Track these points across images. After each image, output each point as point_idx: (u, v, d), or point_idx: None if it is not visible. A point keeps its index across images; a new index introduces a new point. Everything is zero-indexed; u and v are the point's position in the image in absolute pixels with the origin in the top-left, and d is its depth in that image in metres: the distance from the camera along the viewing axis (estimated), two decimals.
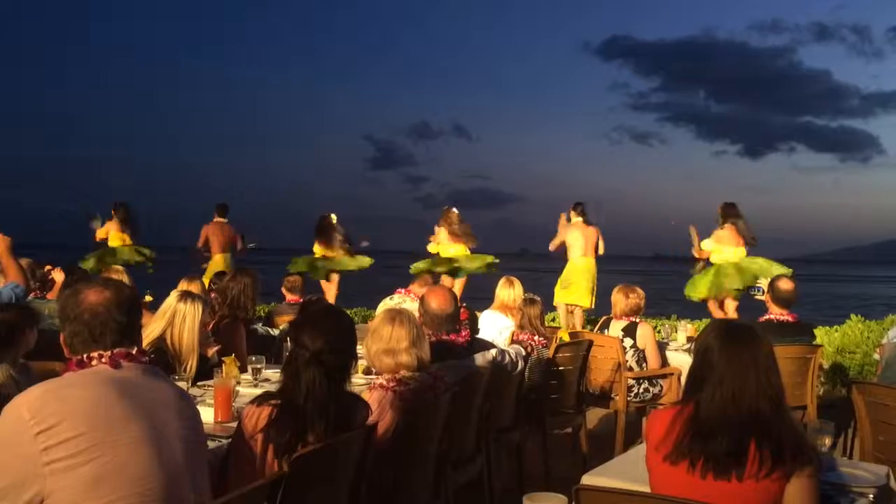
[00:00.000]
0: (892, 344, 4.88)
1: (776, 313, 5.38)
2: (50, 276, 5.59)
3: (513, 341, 5.22)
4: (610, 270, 9.77)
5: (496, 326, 5.94)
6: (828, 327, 9.28)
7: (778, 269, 8.43)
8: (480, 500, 4.12)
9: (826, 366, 7.59)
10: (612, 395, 5.79)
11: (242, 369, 4.05)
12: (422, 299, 4.10)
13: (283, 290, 7.04)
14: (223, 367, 3.75)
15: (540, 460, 4.98)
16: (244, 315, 4.96)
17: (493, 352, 4.18)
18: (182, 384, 3.34)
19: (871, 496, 2.56)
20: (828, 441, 2.80)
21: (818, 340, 7.89)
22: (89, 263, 10.56)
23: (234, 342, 4.66)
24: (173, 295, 4.04)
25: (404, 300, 5.90)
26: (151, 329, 3.90)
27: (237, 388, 3.56)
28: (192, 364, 3.85)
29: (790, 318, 5.39)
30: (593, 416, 6.45)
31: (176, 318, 3.89)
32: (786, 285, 5.34)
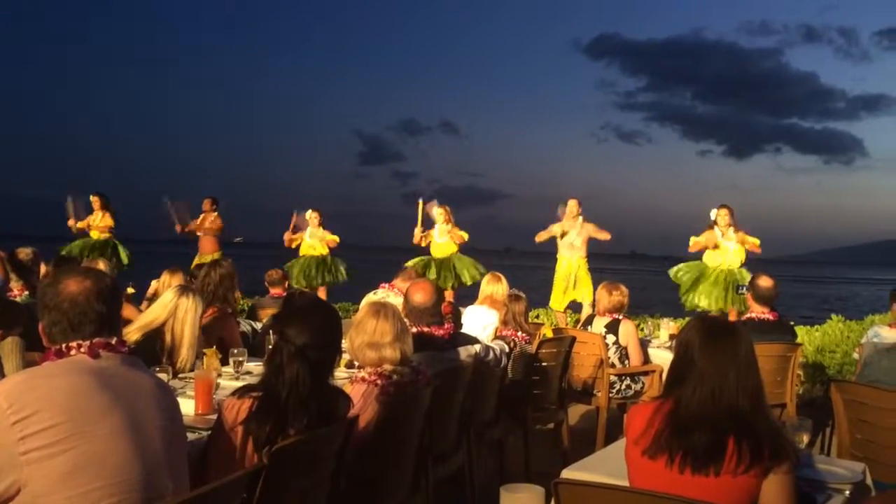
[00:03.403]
0: (870, 343, 4.94)
1: (757, 311, 5.42)
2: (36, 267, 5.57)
3: (496, 337, 5.23)
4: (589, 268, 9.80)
5: (481, 321, 5.94)
6: (808, 327, 9.38)
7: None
8: (461, 495, 4.13)
9: (806, 365, 7.67)
10: (595, 392, 5.82)
11: (224, 362, 4.04)
12: (405, 292, 4.11)
13: (266, 284, 7.03)
14: (204, 359, 3.74)
15: (521, 455, 4.99)
16: (230, 307, 4.94)
17: (476, 346, 4.19)
18: (163, 375, 3.34)
19: (847, 493, 2.59)
20: (805, 438, 2.83)
21: (799, 339, 7.98)
22: (72, 250, 10.60)
23: (228, 334, 4.64)
24: (173, 288, 4.09)
25: (388, 295, 5.89)
26: (152, 319, 3.94)
27: (218, 380, 3.55)
28: (188, 357, 3.89)
29: (771, 317, 5.43)
30: (575, 412, 6.48)
31: (178, 311, 3.96)
32: (766, 283, 5.38)
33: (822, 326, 9.21)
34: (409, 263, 10.21)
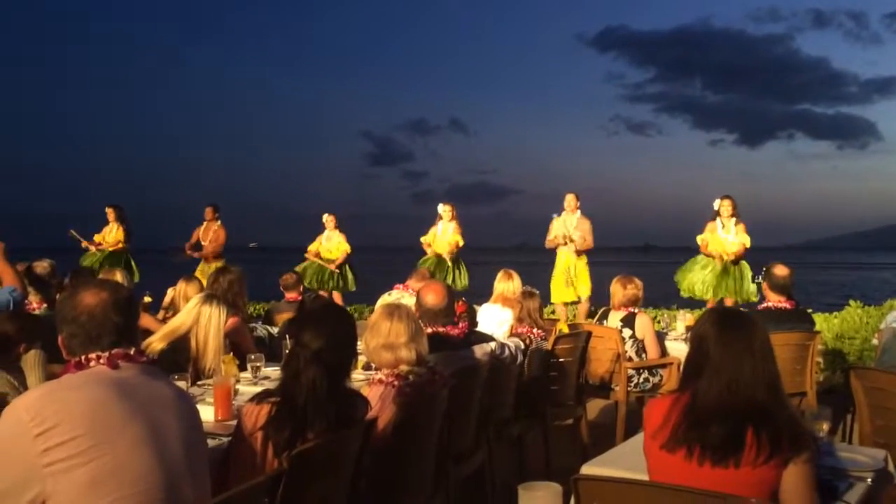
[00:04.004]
0: (890, 329, 4.89)
1: (774, 300, 5.39)
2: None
3: (511, 334, 5.24)
4: (601, 262, 9.79)
5: (495, 319, 5.94)
6: (827, 314, 9.31)
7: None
8: (482, 494, 4.13)
9: (826, 352, 7.61)
10: (613, 386, 5.81)
11: (242, 368, 4.07)
12: (417, 294, 4.12)
13: (281, 288, 7.06)
14: (222, 366, 3.77)
15: (541, 452, 4.99)
16: (240, 313, 4.98)
17: (491, 344, 4.19)
18: (182, 384, 3.37)
19: (869, 480, 2.57)
20: (825, 427, 2.81)
21: (817, 327, 7.93)
22: (90, 261, 10.65)
23: (241, 340, 4.68)
24: (198, 296, 4.14)
25: (403, 295, 5.90)
26: (176, 326, 3.99)
27: (237, 386, 3.57)
28: (213, 363, 3.93)
29: (788, 306, 5.40)
30: (594, 407, 6.47)
31: (202, 318, 4.01)
32: (781, 271, 5.35)
33: (841, 313, 9.14)
34: (421, 262, 10.25)
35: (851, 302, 9.39)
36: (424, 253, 10.76)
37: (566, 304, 9.96)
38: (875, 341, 6.56)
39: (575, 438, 5.52)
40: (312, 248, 11.30)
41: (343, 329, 2.68)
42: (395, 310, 3.30)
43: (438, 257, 10.60)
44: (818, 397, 5.76)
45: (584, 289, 9.83)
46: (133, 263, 11.26)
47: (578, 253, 9.84)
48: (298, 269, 10.77)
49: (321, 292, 10.80)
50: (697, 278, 9.28)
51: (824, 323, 8.68)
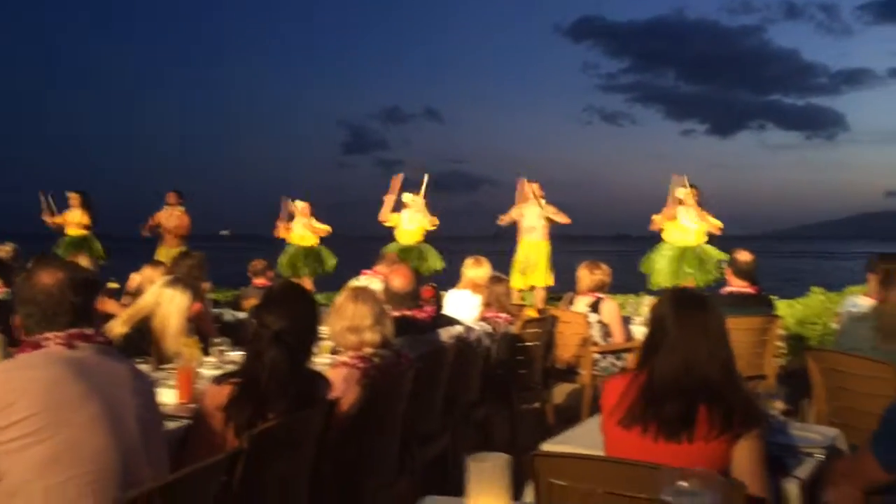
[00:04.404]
0: (847, 313, 5.01)
1: (737, 286, 5.49)
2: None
3: (479, 319, 5.27)
4: (574, 251, 9.88)
5: (464, 305, 5.97)
6: (790, 300, 9.48)
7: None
8: (447, 475, 4.17)
9: (789, 337, 7.75)
10: (579, 370, 5.87)
11: (206, 353, 4.05)
12: (384, 278, 4.14)
13: (249, 274, 7.04)
14: (185, 350, 3.75)
15: (507, 435, 5.04)
16: (200, 297, 4.95)
17: (457, 328, 4.22)
18: (145, 367, 3.36)
19: (820, 456, 2.65)
20: (779, 406, 2.89)
21: (781, 313, 8.08)
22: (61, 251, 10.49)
23: (206, 326, 4.65)
24: (162, 279, 4.10)
25: (372, 281, 5.92)
26: (139, 308, 3.95)
27: (200, 369, 3.56)
28: (176, 347, 3.91)
29: (751, 291, 5.50)
30: (561, 391, 6.53)
31: (164, 300, 3.98)
32: (744, 258, 5.44)
33: (804, 299, 9.32)
34: (388, 249, 10.22)
35: (814, 288, 9.58)
36: (390, 238, 10.71)
37: (519, 290, 10.03)
38: (835, 325, 6.70)
39: (541, 422, 5.59)
40: (281, 233, 11.22)
41: (304, 310, 2.69)
42: (360, 292, 3.32)
43: (405, 245, 10.58)
44: (780, 380, 5.87)
45: (542, 278, 9.88)
46: (96, 244, 11.10)
47: (550, 223, 9.89)
48: (282, 259, 10.69)
49: (294, 279, 10.75)
50: (660, 266, 9.38)
51: (788, 309, 8.84)
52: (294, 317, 2.60)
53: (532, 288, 9.99)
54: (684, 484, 1.24)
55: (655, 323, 2.37)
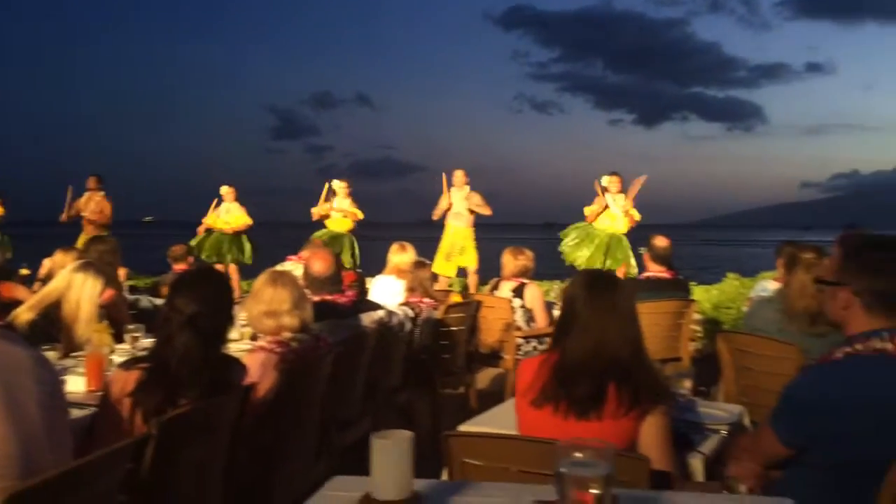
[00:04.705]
0: (757, 296, 5.22)
1: (654, 270, 5.64)
2: None
3: (403, 304, 5.29)
4: (502, 238, 9.99)
5: (389, 290, 5.98)
6: (707, 285, 9.81)
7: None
8: (367, 461, 4.17)
9: (705, 321, 8.03)
10: (502, 355, 5.95)
11: (119, 341, 3.94)
12: (305, 262, 4.10)
13: (169, 260, 6.87)
14: (95, 336, 3.64)
15: (429, 420, 5.07)
16: (115, 286, 4.81)
17: (379, 312, 4.22)
18: (53, 354, 3.26)
19: (724, 432, 2.76)
20: (688, 384, 2.99)
21: (698, 298, 8.36)
22: None
23: (118, 314, 4.53)
24: (72, 264, 3.96)
25: (296, 267, 5.85)
26: (47, 293, 3.81)
27: (112, 356, 3.46)
28: (86, 333, 3.79)
29: (667, 275, 5.67)
30: (485, 375, 6.61)
31: (74, 284, 3.84)
32: (661, 243, 5.60)
33: (719, 284, 9.66)
34: (316, 235, 10.16)
35: (729, 274, 9.94)
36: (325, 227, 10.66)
37: (445, 277, 10.13)
38: (746, 309, 6.98)
39: (464, 406, 5.63)
40: (208, 220, 11.04)
41: (218, 294, 2.63)
42: (278, 276, 3.28)
43: (335, 234, 10.53)
44: (696, 363, 6.08)
45: (471, 260, 10.02)
46: (5, 237, 10.70)
47: (473, 224, 9.96)
48: (194, 242, 10.50)
49: (219, 266, 10.58)
50: (582, 253, 9.59)
51: (704, 294, 9.15)
52: (207, 301, 2.55)
53: (458, 272, 10.11)
54: (579, 455, 1.27)
55: (567, 304, 2.42)
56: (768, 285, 5.51)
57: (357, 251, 10.59)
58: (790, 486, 2.30)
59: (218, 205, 11.06)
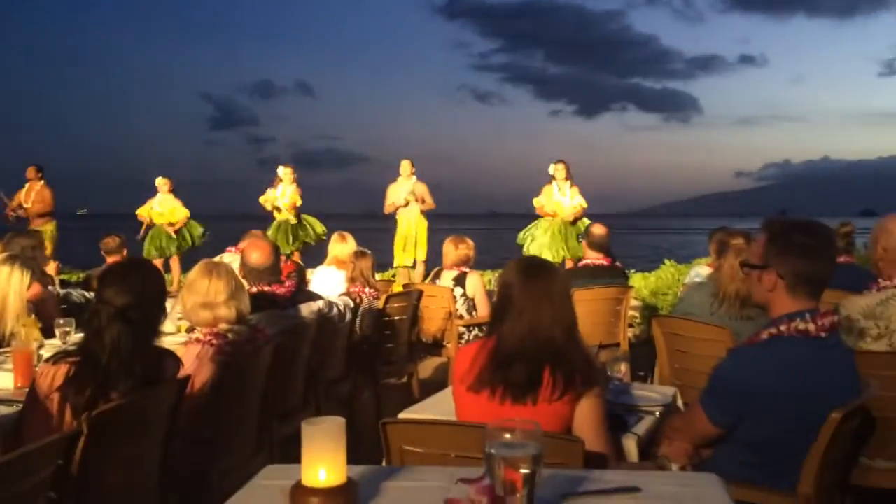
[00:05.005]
0: (690, 282, 5.36)
1: (592, 258, 5.74)
2: None
3: (343, 294, 5.26)
4: (447, 228, 10.03)
5: (329, 281, 5.95)
6: (645, 273, 10.03)
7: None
8: None
9: (643, 307, 8.21)
10: (445, 343, 5.98)
11: (48, 336, 3.83)
12: (242, 253, 4.04)
13: (102, 253, 6.69)
14: (23, 330, 3.53)
15: (372, 410, 5.07)
16: (41, 281, 4.67)
17: (319, 303, 4.19)
18: None
19: (658, 413, 2.83)
20: (623, 368, 3.05)
21: (636, 285, 8.54)
22: None
23: (46, 310, 4.39)
24: None
25: (235, 258, 5.77)
26: None
27: (41, 351, 3.36)
28: (12, 328, 3.68)
29: (605, 262, 5.77)
30: (428, 365, 6.64)
31: (0, 278, 3.70)
32: (599, 231, 5.71)
33: (657, 271, 9.88)
34: (272, 230, 10.07)
35: (666, 261, 10.18)
36: (271, 219, 10.52)
37: (406, 267, 10.14)
38: (681, 294, 7.16)
39: (407, 395, 5.65)
40: (142, 212, 10.81)
41: (149, 286, 2.57)
42: (213, 268, 3.22)
43: (283, 221, 10.41)
44: (634, 348, 6.21)
45: (422, 252, 10.07)
46: None
47: (423, 212, 10.02)
48: (146, 247, 10.33)
49: (159, 260, 10.39)
50: (539, 242, 9.69)
51: (642, 281, 9.35)
52: (137, 292, 2.48)
53: (415, 263, 10.12)
54: (508, 436, 1.29)
55: (502, 290, 2.44)
56: (701, 271, 5.67)
57: (313, 226, 10.48)
58: (719, 464, 2.38)
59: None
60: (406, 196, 9.94)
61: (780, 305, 2.39)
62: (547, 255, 9.45)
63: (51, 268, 5.83)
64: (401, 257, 10.09)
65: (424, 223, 10.13)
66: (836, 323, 2.42)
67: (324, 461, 1.41)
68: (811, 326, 2.34)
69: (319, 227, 10.80)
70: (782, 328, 2.36)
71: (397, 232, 10.13)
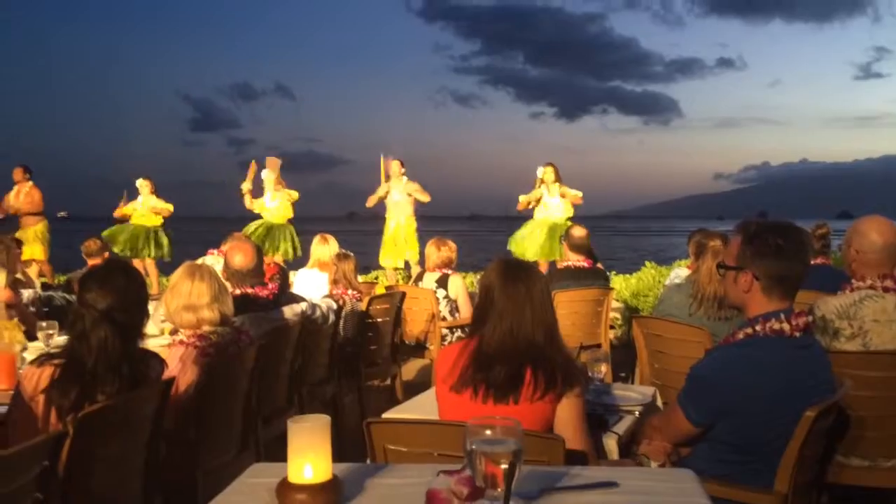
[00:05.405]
0: (671, 283, 5.42)
1: (573, 259, 5.80)
2: None
3: (326, 296, 5.28)
4: (428, 230, 10.06)
5: (312, 283, 5.96)
6: (626, 274, 10.12)
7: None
8: None
9: (624, 308, 8.28)
10: (428, 345, 6.01)
11: (32, 336, 3.83)
12: (225, 255, 4.06)
13: (84, 256, 6.67)
14: (5, 333, 3.53)
15: (356, 411, 5.09)
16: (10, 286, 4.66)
17: (301, 305, 4.21)
18: None
19: (637, 413, 2.88)
20: (603, 368, 3.10)
21: (617, 286, 8.61)
22: None
23: (18, 315, 4.38)
24: None
25: (217, 260, 5.77)
26: None
27: (24, 354, 3.36)
28: None
29: (586, 264, 5.83)
30: (411, 366, 6.67)
31: None
32: (579, 233, 5.76)
33: (638, 273, 9.97)
34: (250, 228, 10.01)
35: (647, 263, 10.27)
36: (248, 220, 10.46)
37: (395, 268, 10.15)
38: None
39: (391, 397, 5.67)
40: (121, 211, 10.75)
41: (131, 287, 2.58)
42: (196, 270, 3.23)
43: (271, 225, 10.37)
44: (616, 350, 6.27)
45: (413, 253, 10.07)
46: None
47: (416, 210, 10.11)
48: (106, 233, 10.24)
49: (135, 261, 10.32)
50: (528, 244, 9.74)
51: (623, 283, 9.43)
52: (120, 294, 2.50)
53: (407, 265, 10.14)
54: (489, 433, 1.33)
55: (484, 292, 2.48)
56: (682, 272, 5.74)
57: (297, 241, 10.45)
58: (697, 462, 2.42)
59: (128, 199, 10.81)
60: (404, 189, 9.93)
61: (755, 306, 2.45)
62: (532, 255, 9.52)
63: (33, 270, 5.82)
64: (389, 258, 10.09)
65: (413, 224, 10.13)
66: (811, 323, 2.48)
67: (310, 458, 1.44)
68: (786, 326, 2.40)
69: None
70: (758, 328, 2.41)
71: (385, 233, 10.13)
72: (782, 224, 2.51)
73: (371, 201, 10.18)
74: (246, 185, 10.27)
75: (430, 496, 1.34)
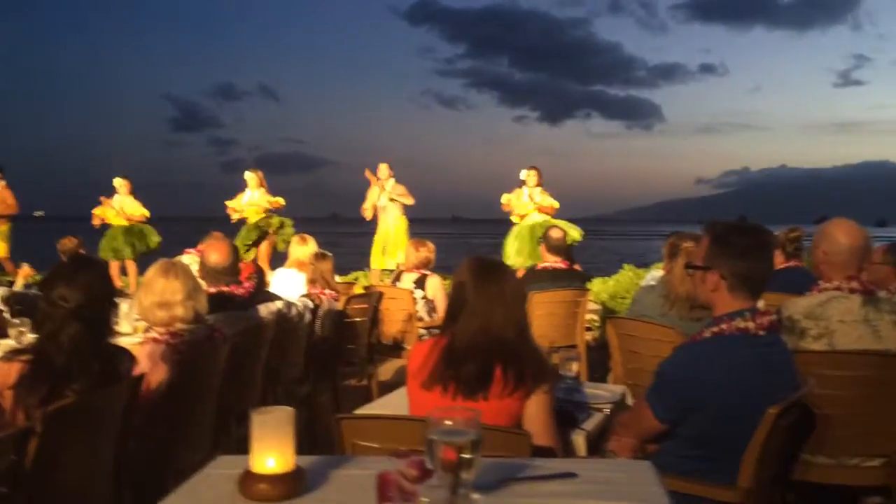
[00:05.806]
0: (645, 284, 5.47)
1: (550, 261, 5.83)
2: None
3: (304, 296, 5.28)
4: (411, 233, 10.08)
5: (290, 283, 5.95)
6: (605, 276, 10.18)
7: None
8: None
9: (602, 310, 8.34)
10: (405, 346, 6.02)
11: (3, 334, 3.80)
12: (201, 253, 4.05)
13: (60, 255, 6.63)
14: None
15: (331, 411, 5.09)
16: None
17: (277, 304, 4.21)
18: None
19: (607, 411, 2.91)
20: (574, 367, 3.13)
21: (595, 289, 8.67)
22: None
23: None
24: None
25: (194, 259, 5.75)
26: None
27: None
28: None
29: (563, 265, 5.87)
30: (388, 367, 6.66)
31: None
32: (556, 234, 5.80)
33: (616, 275, 10.04)
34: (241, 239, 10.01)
35: (625, 266, 10.35)
36: (238, 222, 10.45)
37: (383, 270, 10.16)
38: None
39: (367, 397, 5.67)
40: (99, 212, 10.69)
41: (99, 281, 2.57)
42: (170, 267, 3.23)
43: (251, 226, 10.35)
44: (593, 351, 6.31)
45: (403, 255, 10.09)
46: None
47: (404, 211, 10.12)
48: (102, 248, 10.21)
49: (115, 262, 10.27)
50: (512, 248, 9.82)
51: (602, 285, 9.49)
52: (89, 289, 2.48)
53: (398, 267, 10.16)
54: (449, 423, 1.35)
55: (456, 290, 2.51)
56: (657, 274, 5.78)
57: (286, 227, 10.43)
58: (663, 458, 2.46)
59: (108, 198, 10.74)
60: (388, 193, 9.95)
61: (721, 305, 2.49)
62: (518, 260, 9.54)
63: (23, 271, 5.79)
64: (379, 260, 10.10)
65: (403, 226, 10.14)
66: (775, 322, 2.53)
67: (272, 449, 1.45)
68: (751, 325, 2.44)
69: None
70: (723, 326, 2.45)
71: (377, 235, 10.15)
72: (748, 225, 2.56)
73: (367, 212, 10.19)
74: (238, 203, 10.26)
75: (379, 479, 1.36)
